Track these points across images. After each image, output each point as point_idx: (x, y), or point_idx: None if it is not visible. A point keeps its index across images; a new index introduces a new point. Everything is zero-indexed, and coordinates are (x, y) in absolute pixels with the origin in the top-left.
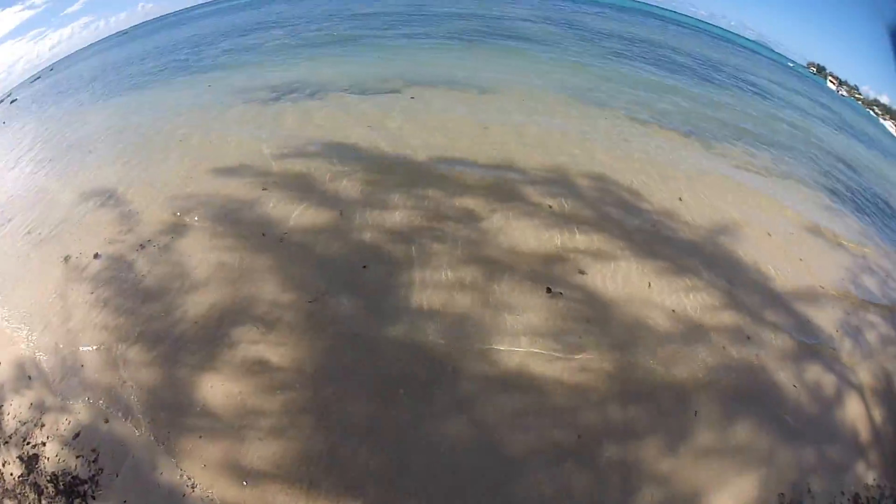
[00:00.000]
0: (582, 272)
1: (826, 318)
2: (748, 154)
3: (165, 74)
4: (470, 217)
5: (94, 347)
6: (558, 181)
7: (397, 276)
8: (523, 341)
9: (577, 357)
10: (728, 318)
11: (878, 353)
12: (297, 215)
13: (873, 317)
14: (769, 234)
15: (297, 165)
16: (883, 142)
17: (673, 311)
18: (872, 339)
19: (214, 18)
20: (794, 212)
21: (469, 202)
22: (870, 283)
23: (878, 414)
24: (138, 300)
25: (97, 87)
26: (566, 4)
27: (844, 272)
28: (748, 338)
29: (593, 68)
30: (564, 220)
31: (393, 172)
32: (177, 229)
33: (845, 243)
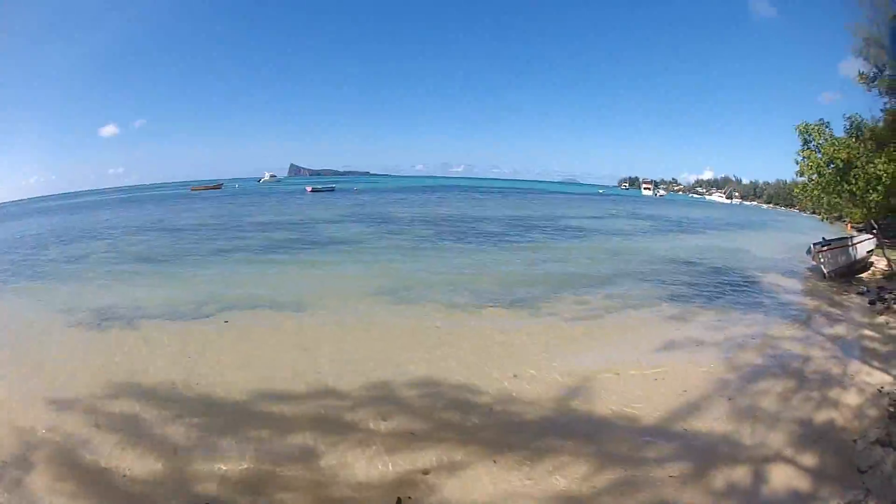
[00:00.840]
0: (432, 490)
1: (712, 421)
2: (579, 302)
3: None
4: (308, 456)
5: None
6: (384, 398)
7: None
8: None
9: None
10: (607, 476)
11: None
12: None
13: (757, 386)
14: (618, 374)
15: (120, 407)
16: (713, 214)
17: (547, 496)
18: (768, 404)
19: (47, 216)
20: (640, 337)
21: (301, 439)
22: (744, 358)
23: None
24: None
25: None
26: (372, 196)
27: (717, 372)
28: (635, 487)
29: (404, 261)
30: (401, 440)
31: (219, 414)
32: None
33: (708, 339)
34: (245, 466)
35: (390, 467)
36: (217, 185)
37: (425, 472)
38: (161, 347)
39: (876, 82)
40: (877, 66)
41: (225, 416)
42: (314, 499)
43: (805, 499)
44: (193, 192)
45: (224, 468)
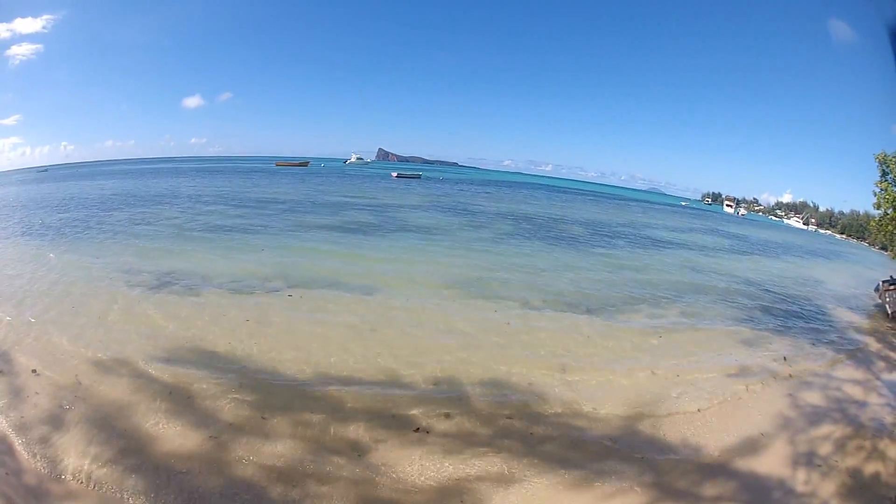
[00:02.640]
0: (482, 501)
1: (771, 460)
2: (654, 316)
3: (69, 231)
4: (355, 449)
5: None
6: (448, 395)
7: None
8: None
9: None
10: None
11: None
12: (170, 436)
13: (818, 430)
14: (684, 397)
15: (169, 374)
16: (791, 239)
17: None
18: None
19: (119, 180)
20: (712, 362)
21: (353, 431)
22: (812, 400)
23: None
24: None
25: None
26: (457, 188)
27: (781, 407)
28: None
29: (485, 255)
30: (458, 443)
31: (271, 392)
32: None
33: (776, 370)
34: (287, 452)
35: (441, 471)
36: (304, 163)
37: (477, 481)
38: (221, 317)
39: None
40: None
41: (277, 396)
42: (353, 497)
43: None
44: (279, 167)
45: (266, 451)
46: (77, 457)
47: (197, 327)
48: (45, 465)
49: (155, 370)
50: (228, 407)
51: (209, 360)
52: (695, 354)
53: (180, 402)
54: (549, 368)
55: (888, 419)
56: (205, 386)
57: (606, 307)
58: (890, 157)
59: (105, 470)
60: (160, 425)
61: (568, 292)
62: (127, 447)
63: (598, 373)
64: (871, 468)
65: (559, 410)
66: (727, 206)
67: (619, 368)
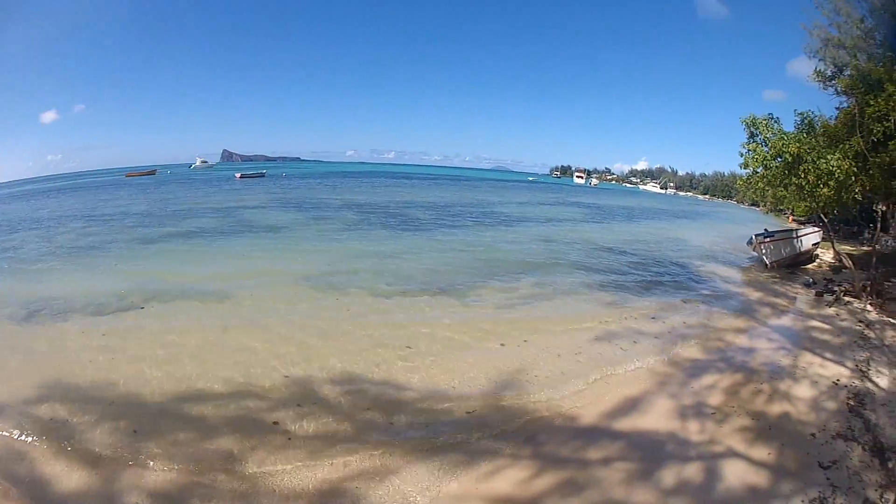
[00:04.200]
0: (360, 498)
1: (657, 416)
2: (507, 290)
3: None
4: (230, 461)
5: None
6: (310, 395)
7: None
8: None
9: None
10: (549, 479)
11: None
12: (59, 476)
13: (702, 381)
14: (552, 368)
15: (47, 412)
16: (648, 204)
17: (488, 501)
18: (716, 399)
19: None
20: (574, 329)
21: (223, 443)
22: (691, 354)
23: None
24: None
25: None
26: (301, 182)
27: (658, 364)
28: (580, 488)
29: (331, 247)
30: (326, 444)
31: (140, 415)
32: None
33: (647, 329)
34: (168, 475)
35: (316, 474)
36: (151, 172)
37: (352, 479)
38: (84, 343)
39: (834, 81)
40: (836, 66)
41: (148, 419)
42: None
43: (765, 496)
44: (128, 178)
45: (148, 477)
46: None
47: (60, 358)
48: None
49: (32, 409)
50: (104, 437)
51: (78, 392)
52: (556, 324)
53: (63, 438)
54: (404, 355)
55: (785, 361)
56: (82, 419)
57: (457, 286)
58: (759, 120)
59: None
60: (49, 466)
61: (417, 275)
62: (25, 493)
63: (456, 353)
64: (776, 409)
65: (419, 396)
66: (577, 177)
67: (476, 347)
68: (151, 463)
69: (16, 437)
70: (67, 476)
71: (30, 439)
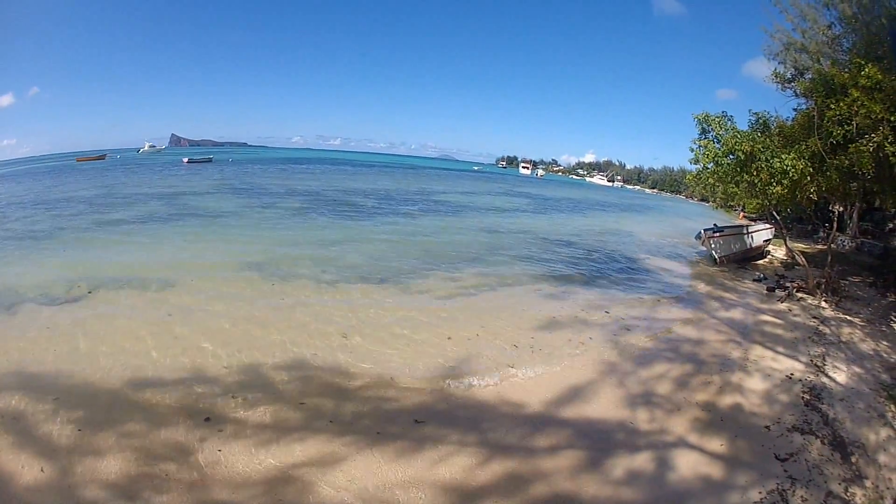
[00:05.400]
0: (310, 485)
1: (604, 405)
2: (451, 279)
3: None
4: (181, 451)
5: None
6: (256, 384)
7: None
8: None
9: None
10: (495, 468)
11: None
12: (19, 470)
13: (650, 370)
14: (497, 356)
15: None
16: (594, 196)
17: (432, 489)
18: (665, 389)
19: None
20: (517, 317)
21: (174, 433)
22: (632, 340)
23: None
24: None
25: None
26: (247, 168)
27: (604, 354)
28: (526, 479)
29: (275, 234)
30: (275, 432)
31: (92, 405)
32: None
33: (591, 319)
34: (122, 467)
35: (265, 462)
36: (101, 157)
37: (301, 466)
38: (34, 334)
39: (793, 84)
40: (796, 69)
41: (101, 409)
42: (191, 501)
43: (719, 487)
44: (79, 162)
45: (102, 469)
46: None
47: (11, 349)
48: None
49: None
50: (58, 429)
51: (31, 383)
52: (499, 313)
53: (17, 432)
54: (349, 344)
55: (735, 354)
56: (32, 410)
57: (400, 275)
58: (712, 117)
59: None
60: (10, 461)
61: (360, 264)
62: None
63: (399, 342)
64: (727, 401)
65: (364, 384)
66: (523, 168)
67: (419, 336)
68: (105, 455)
69: None
70: (23, 470)
71: None
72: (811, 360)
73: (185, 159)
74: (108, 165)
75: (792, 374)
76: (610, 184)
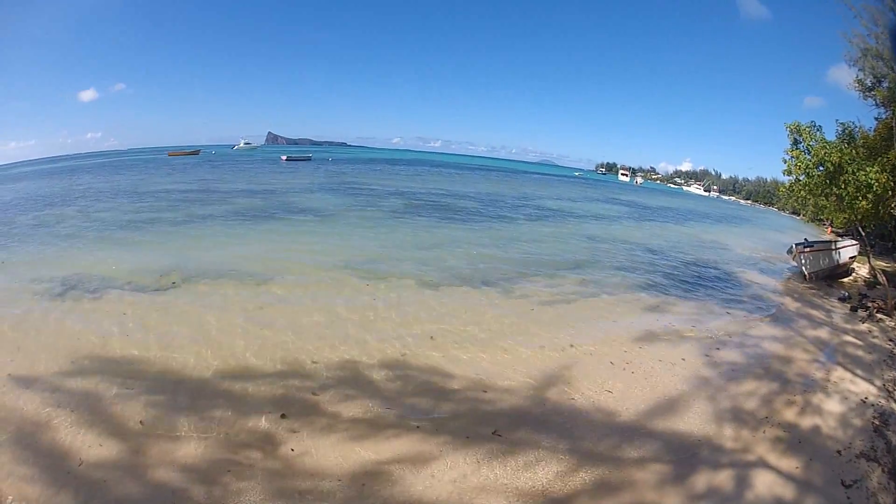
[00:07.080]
0: (397, 482)
1: (694, 419)
2: (552, 286)
3: None
4: (268, 441)
5: None
6: (351, 380)
7: None
8: None
9: None
10: (584, 475)
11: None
12: (89, 447)
13: (740, 387)
14: (594, 365)
15: (78, 385)
16: (691, 206)
17: (521, 494)
18: (751, 406)
19: (27, 182)
20: (616, 327)
21: (262, 423)
22: (730, 360)
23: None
24: None
25: None
26: (347, 167)
27: (697, 369)
28: (614, 488)
29: (377, 234)
30: (368, 427)
31: (176, 391)
32: None
33: (687, 333)
34: (201, 452)
35: (355, 457)
36: (195, 152)
37: (391, 463)
38: (123, 319)
39: (873, 92)
40: (875, 76)
41: (185, 395)
42: (272, 490)
43: None
44: (171, 157)
45: (182, 453)
46: (4, 478)
47: (99, 333)
48: None
49: (64, 381)
50: (136, 411)
51: (114, 366)
52: (598, 323)
53: (93, 411)
54: (450, 345)
55: (818, 374)
56: (112, 392)
57: (502, 280)
58: (803, 127)
59: (33, 488)
60: (78, 438)
61: (462, 267)
62: (51, 464)
63: (500, 347)
64: (807, 422)
65: (462, 386)
66: (622, 175)
67: (519, 341)
68: (184, 438)
69: (46, 409)
70: (97, 448)
71: (61, 411)
72: (884, 385)
73: (284, 157)
74: (201, 160)
75: (866, 398)
76: (706, 193)
